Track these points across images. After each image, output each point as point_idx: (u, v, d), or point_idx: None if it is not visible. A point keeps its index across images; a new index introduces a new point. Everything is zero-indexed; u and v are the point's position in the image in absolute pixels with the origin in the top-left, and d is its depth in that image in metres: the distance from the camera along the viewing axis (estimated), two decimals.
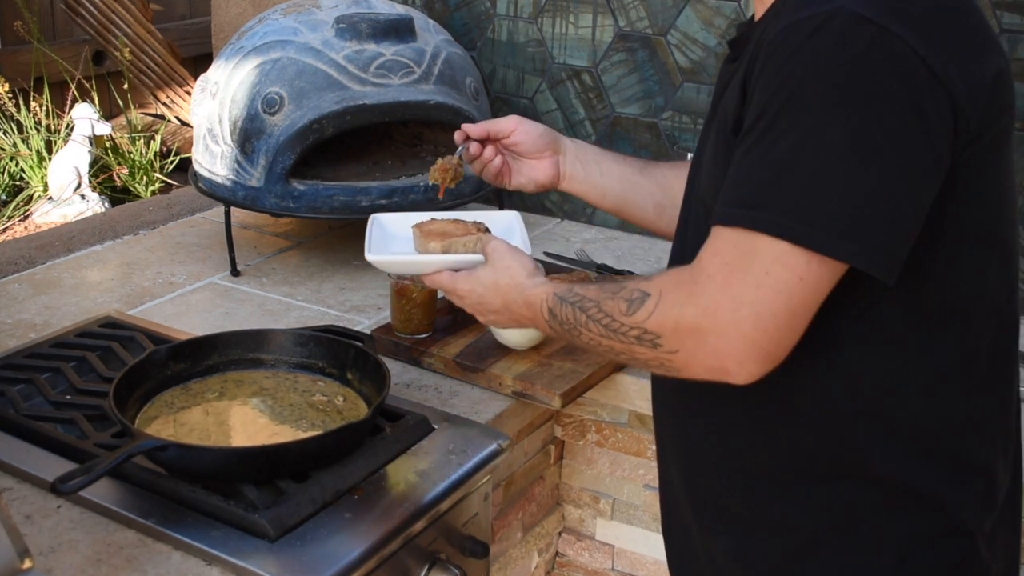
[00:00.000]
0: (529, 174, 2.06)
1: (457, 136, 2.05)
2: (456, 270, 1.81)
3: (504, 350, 2.26)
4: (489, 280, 1.74)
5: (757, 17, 1.50)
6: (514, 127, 2.03)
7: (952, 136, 1.32)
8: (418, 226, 1.94)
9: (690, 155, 2.28)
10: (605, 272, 2.74)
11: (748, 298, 1.33)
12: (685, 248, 1.59)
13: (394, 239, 1.99)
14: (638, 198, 2.02)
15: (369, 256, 1.88)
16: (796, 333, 1.36)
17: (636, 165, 2.03)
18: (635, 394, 2.36)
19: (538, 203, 3.28)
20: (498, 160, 2.05)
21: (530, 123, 2.04)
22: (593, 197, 2.06)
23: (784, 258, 1.32)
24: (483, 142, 2.05)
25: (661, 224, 2.01)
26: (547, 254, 2.90)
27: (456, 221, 1.96)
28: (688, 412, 1.60)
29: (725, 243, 1.36)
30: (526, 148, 2.04)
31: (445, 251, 1.86)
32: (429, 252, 1.87)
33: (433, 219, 1.97)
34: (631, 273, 2.70)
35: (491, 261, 1.75)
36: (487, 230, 1.91)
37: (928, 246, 1.36)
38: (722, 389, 1.41)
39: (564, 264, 2.80)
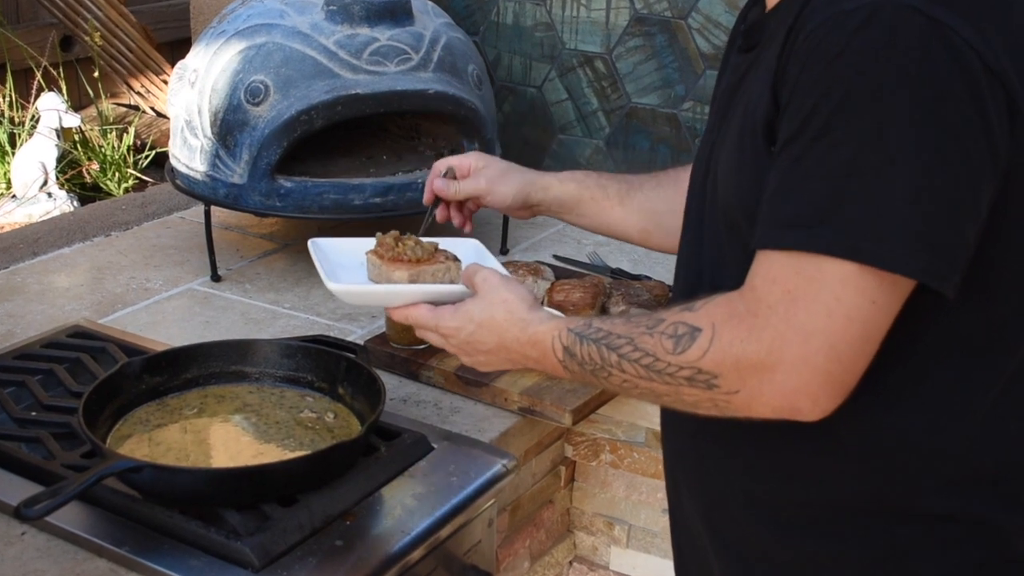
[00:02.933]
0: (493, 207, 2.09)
1: (426, 197, 2.07)
2: (435, 303, 1.73)
3: None
4: (482, 316, 1.65)
5: (771, 3, 1.49)
6: (483, 195, 2.04)
7: (1008, 138, 1.31)
8: (375, 252, 1.84)
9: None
10: (620, 277, 2.74)
11: (818, 328, 1.31)
12: (702, 265, 1.58)
13: (341, 268, 1.88)
14: (616, 230, 2.04)
15: (332, 285, 1.77)
16: (869, 359, 1.35)
17: (616, 196, 2.02)
18: (653, 411, 2.36)
19: None
20: (458, 220, 2.09)
21: (501, 191, 2.04)
22: (572, 225, 2.11)
23: (854, 281, 1.30)
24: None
25: (650, 244, 2.03)
26: (556, 257, 2.90)
27: (407, 240, 1.86)
28: (708, 443, 1.58)
29: (783, 268, 1.34)
30: (496, 209, 2.08)
31: (413, 283, 1.78)
32: (393, 282, 1.79)
33: (380, 237, 1.86)
34: (648, 278, 2.70)
35: (483, 294, 1.66)
36: (455, 257, 1.85)
37: (980, 259, 1.35)
38: (747, 418, 1.41)
39: (575, 268, 2.80)
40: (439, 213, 2.05)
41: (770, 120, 1.38)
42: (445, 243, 1.91)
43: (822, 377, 1.33)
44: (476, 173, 2.05)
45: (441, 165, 2.07)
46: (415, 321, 1.73)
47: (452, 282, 1.79)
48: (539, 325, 1.59)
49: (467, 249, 1.94)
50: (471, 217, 2.10)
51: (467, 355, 1.70)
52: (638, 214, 1.99)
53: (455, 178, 2.05)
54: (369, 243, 1.88)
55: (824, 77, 1.30)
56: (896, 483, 1.44)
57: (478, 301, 1.66)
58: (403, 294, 1.74)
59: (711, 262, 1.56)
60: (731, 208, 1.48)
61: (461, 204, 2.08)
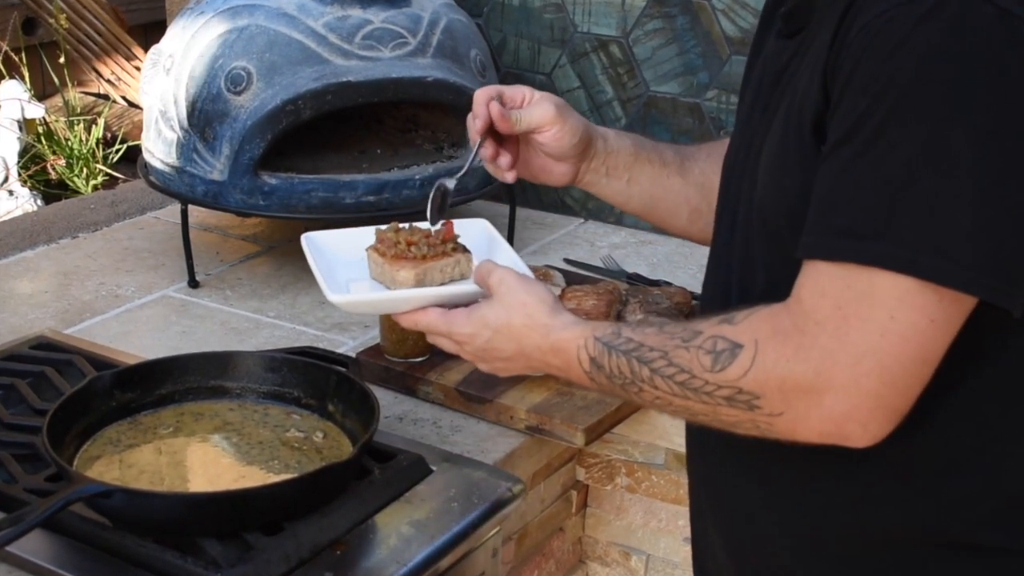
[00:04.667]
0: (538, 172, 1.92)
1: (475, 128, 1.84)
2: (445, 305, 1.71)
3: (516, 377, 2.26)
4: (499, 320, 1.63)
5: None
6: (550, 125, 1.84)
7: None
8: (376, 248, 1.82)
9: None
10: (637, 283, 2.75)
11: (871, 348, 1.31)
12: (731, 270, 1.58)
13: (340, 264, 1.85)
14: (670, 204, 1.95)
15: (334, 297, 1.74)
16: (924, 382, 1.34)
17: (674, 163, 1.93)
18: (673, 430, 2.36)
19: (557, 199, 3.28)
20: (508, 159, 1.88)
21: (571, 122, 1.85)
22: (615, 202, 1.97)
23: (910, 298, 1.30)
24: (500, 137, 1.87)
25: (693, 231, 1.95)
26: (568, 261, 2.90)
27: (417, 232, 1.82)
28: (737, 466, 1.58)
29: (832, 282, 1.33)
30: (552, 151, 1.87)
31: (419, 282, 1.77)
32: (398, 284, 1.77)
33: (380, 231, 1.83)
34: (668, 284, 2.70)
35: (498, 296, 1.64)
36: (465, 248, 1.83)
37: None
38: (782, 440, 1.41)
39: (588, 273, 2.80)
40: (486, 150, 1.85)
41: (819, 116, 1.37)
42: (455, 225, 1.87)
43: (873, 401, 1.33)
44: (536, 102, 1.86)
45: (489, 91, 1.86)
46: (425, 327, 1.71)
47: (462, 276, 1.79)
48: (562, 331, 1.58)
49: (475, 233, 1.91)
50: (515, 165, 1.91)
51: (484, 362, 1.69)
52: (694, 188, 1.93)
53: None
54: (370, 235, 1.86)
55: (881, 73, 1.29)
56: (946, 513, 1.44)
57: (494, 304, 1.64)
58: (410, 300, 1.73)
59: (741, 266, 1.55)
60: (770, 209, 1.47)
61: (510, 142, 1.88)
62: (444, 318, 1.69)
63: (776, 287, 1.44)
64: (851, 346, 1.32)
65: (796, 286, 1.38)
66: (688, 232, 1.97)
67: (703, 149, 1.97)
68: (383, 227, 1.84)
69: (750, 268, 1.54)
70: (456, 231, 1.85)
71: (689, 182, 1.94)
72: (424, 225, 1.84)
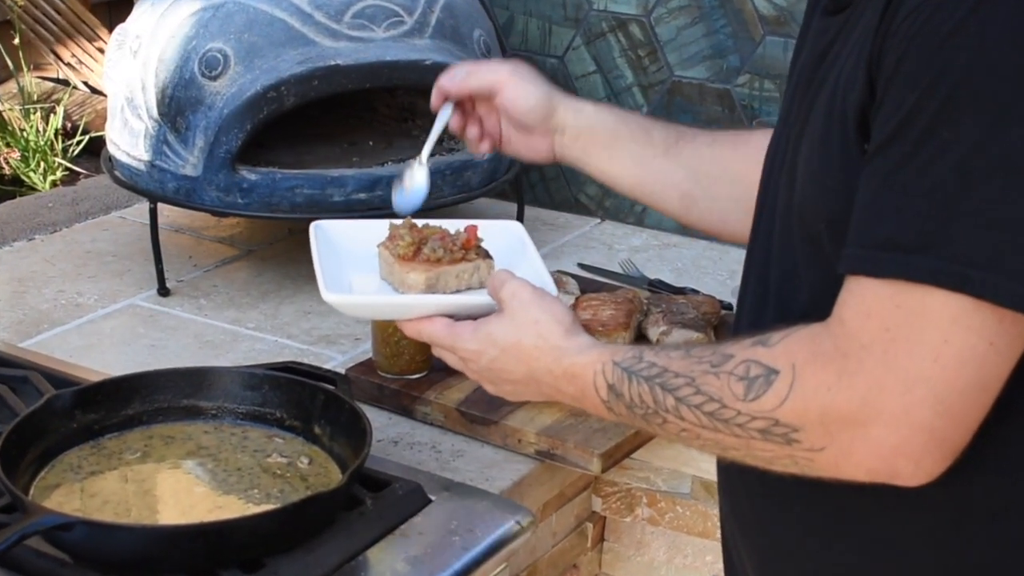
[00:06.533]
0: (520, 147, 2.02)
1: (434, 98, 1.98)
2: (453, 316, 1.72)
3: None
4: (508, 339, 1.63)
5: None
6: (500, 85, 1.96)
7: None
8: (386, 246, 1.83)
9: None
10: (660, 291, 2.75)
11: (923, 375, 1.30)
12: (770, 280, 1.58)
13: (350, 258, 1.88)
14: (655, 186, 1.98)
15: (329, 295, 1.76)
16: (983, 413, 1.33)
17: (662, 143, 1.97)
18: (700, 455, 2.36)
19: (570, 197, 3.29)
20: (492, 123, 2.00)
21: (524, 82, 1.96)
22: (602, 181, 2.03)
23: (966, 318, 1.28)
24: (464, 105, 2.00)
25: (691, 218, 1.98)
26: (582, 266, 2.91)
27: (435, 232, 1.85)
28: (774, 494, 1.58)
29: (879, 300, 1.32)
30: (512, 118, 1.98)
31: (431, 288, 1.77)
32: (407, 287, 1.78)
33: (395, 228, 1.86)
34: (695, 292, 2.70)
35: (509, 312, 1.65)
36: (487, 254, 1.84)
37: None
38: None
39: (605, 280, 2.80)
40: (454, 121, 1.98)
41: (863, 109, 1.36)
42: (481, 228, 1.89)
43: (926, 435, 1.31)
44: (489, 63, 2.00)
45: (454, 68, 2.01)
46: (429, 337, 1.72)
47: (481, 284, 1.78)
48: (577, 355, 1.58)
49: (505, 238, 1.91)
50: (494, 139, 2.01)
51: (491, 384, 1.70)
52: (683, 171, 1.95)
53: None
54: (380, 227, 1.87)
55: (931, 65, 1.28)
56: (1001, 556, 1.44)
57: (503, 321, 1.65)
58: (413, 307, 1.73)
59: (780, 277, 1.55)
60: (810, 213, 1.46)
61: (488, 117, 2.00)
62: (449, 330, 1.70)
63: (818, 304, 1.44)
64: (901, 372, 1.31)
65: (838, 304, 1.37)
66: (685, 219, 2.00)
67: (710, 134, 1.99)
68: (398, 222, 1.85)
69: (789, 280, 1.53)
70: (482, 234, 1.86)
71: (677, 164, 1.95)
72: (443, 223, 1.86)
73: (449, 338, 1.69)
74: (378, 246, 1.85)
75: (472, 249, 1.83)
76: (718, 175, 1.92)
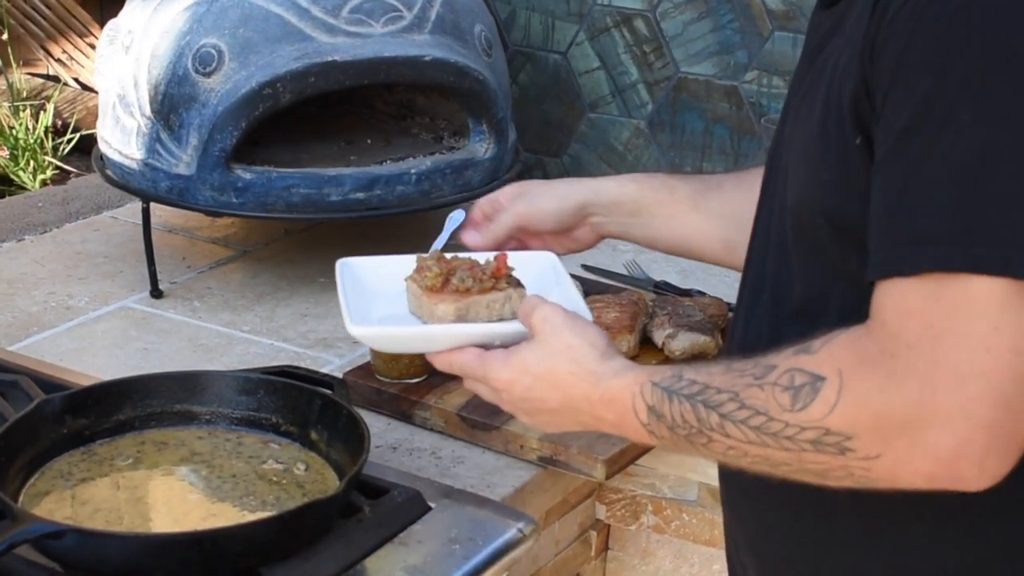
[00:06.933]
0: (567, 245, 2.07)
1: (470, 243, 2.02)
2: (485, 345, 1.69)
3: None
4: (542, 367, 1.60)
5: None
6: (525, 214, 2.01)
7: None
8: (414, 278, 1.81)
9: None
10: (665, 293, 2.75)
11: (976, 368, 1.27)
12: (765, 278, 1.58)
13: (374, 296, 1.86)
14: (693, 243, 2.02)
15: (354, 328, 1.74)
16: None
17: (688, 200, 1.99)
18: (707, 461, 2.36)
19: None
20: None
21: (545, 198, 2.01)
22: (648, 247, 2.10)
23: (1014, 302, 1.27)
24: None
25: (734, 261, 1.94)
26: (586, 268, 2.90)
27: (464, 263, 1.82)
28: (777, 497, 1.58)
29: (919, 298, 1.30)
30: (543, 231, 2.04)
31: (460, 319, 1.74)
32: (436, 320, 1.75)
33: (422, 260, 1.83)
34: (701, 293, 2.70)
35: (541, 338, 1.62)
36: (518, 283, 1.81)
37: None
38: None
39: (609, 282, 2.80)
40: (468, 236, 2.02)
41: (857, 102, 1.36)
42: (512, 258, 1.86)
43: (987, 432, 1.28)
44: (511, 201, 2.01)
45: (472, 213, 2.05)
46: (460, 369, 1.69)
47: (513, 315, 1.74)
48: (613, 379, 1.55)
49: (538, 268, 1.90)
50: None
51: (527, 414, 1.67)
52: (718, 220, 1.96)
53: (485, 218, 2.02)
54: (406, 262, 1.84)
55: (940, 47, 1.28)
56: (1005, 557, 1.44)
57: (535, 347, 1.62)
58: (441, 338, 1.71)
59: (775, 274, 1.55)
60: (807, 207, 1.46)
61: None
62: (479, 360, 1.67)
63: (810, 298, 1.44)
64: (952, 368, 1.28)
65: (875, 308, 1.35)
66: (731, 263, 1.98)
67: (735, 176, 2.02)
68: (425, 255, 1.83)
69: (784, 274, 1.54)
70: (513, 263, 1.83)
71: (709, 215, 1.97)
72: (474, 255, 1.84)
73: (480, 368, 1.66)
74: (406, 279, 1.82)
75: (502, 278, 1.80)
76: (752, 215, 1.92)
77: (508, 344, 1.67)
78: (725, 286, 2.83)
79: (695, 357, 2.41)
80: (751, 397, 1.40)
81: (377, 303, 1.84)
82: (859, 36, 1.36)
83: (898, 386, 1.31)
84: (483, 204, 2.03)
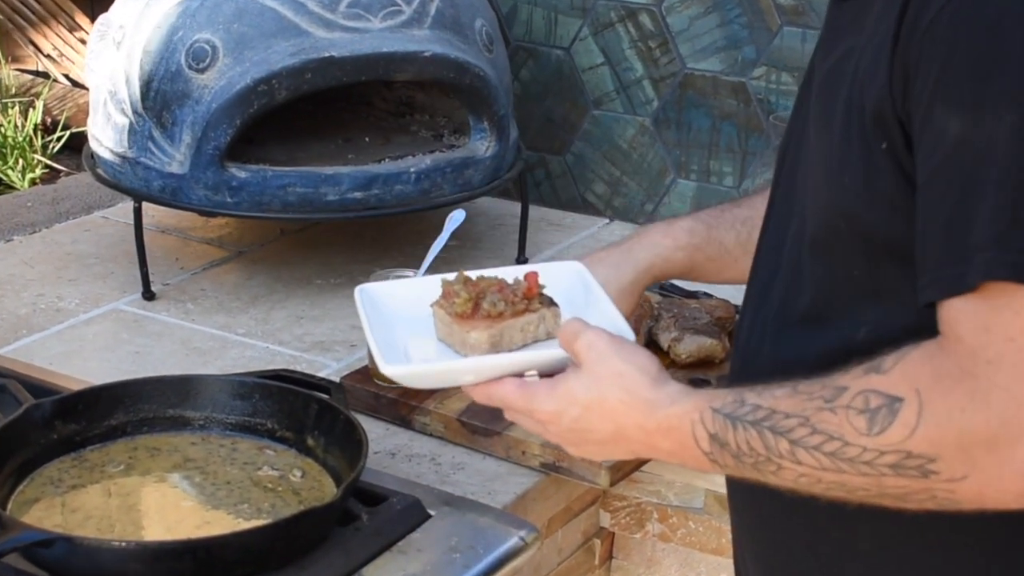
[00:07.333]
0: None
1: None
2: (520, 373, 1.64)
3: None
4: (590, 396, 1.55)
5: None
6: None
7: None
8: (441, 304, 1.75)
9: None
10: (671, 295, 2.75)
11: None
12: (773, 285, 1.57)
13: (401, 321, 1.80)
14: (734, 274, 1.99)
15: (389, 369, 1.67)
16: None
17: (736, 247, 1.97)
18: None
19: (577, 196, 3.28)
20: None
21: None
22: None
23: None
24: None
25: None
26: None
27: (492, 283, 1.75)
28: (786, 505, 1.57)
29: (995, 312, 1.29)
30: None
31: (495, 346, 1.69)
32: (469, 348, 1.70)
33: (448, 284, 1.76)
34: (707, 296, 2.70)
35: (588, 366, 1.56)
36: (551, 301, 1.75)
37: None
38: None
39: None
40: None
41: (881, 105, 1.36)
42: (540, 268, 1.81)
43: None
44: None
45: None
46: (501, 401, 1.63)
47: (548, 336, 1.71)
48: (670, 407, 1.51)
49: (564, 281, 1.84)
50: None
51: (573, 445, 1.62)
52: (740, 249, 1.96)
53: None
54: (437, 286, 1.78)
55: (985, 56, 1.28)
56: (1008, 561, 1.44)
57: (583, 377, 1.56)
58: (485, 370, 1.65)
59: (786, 276, 1.55)
60: (825, 211, 1.46)
61: None
62: (522, 392, 1.61)
63: (819, 304, 1.44)
64: None
65: (948, 325, 1.34)
66: None
67: (743, 204, 2.00)
68: (450, 277, 1.79)
69: (795, 279, 1.53)
70: (541, 280, 1.77)
71: (737, 248, 1.97)
72: (498, 272, 1.78)
73: (523, 400, 1.61)
74: (432, 305, 1.76)
75: (535, 298, 1.75)
76: None
77: (551, 372, 1.63)
78: (732, 288, 2.82)
79: (701, 361, 2.41)
80: (823, 422, 1.38)
81: (403, 331, 1.78)
82: (884, 39, 1.36)
83: (981, 404, 1.29)
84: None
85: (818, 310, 1.47)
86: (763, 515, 1.63)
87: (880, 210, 1.39)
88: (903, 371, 1.34)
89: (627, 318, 1.75)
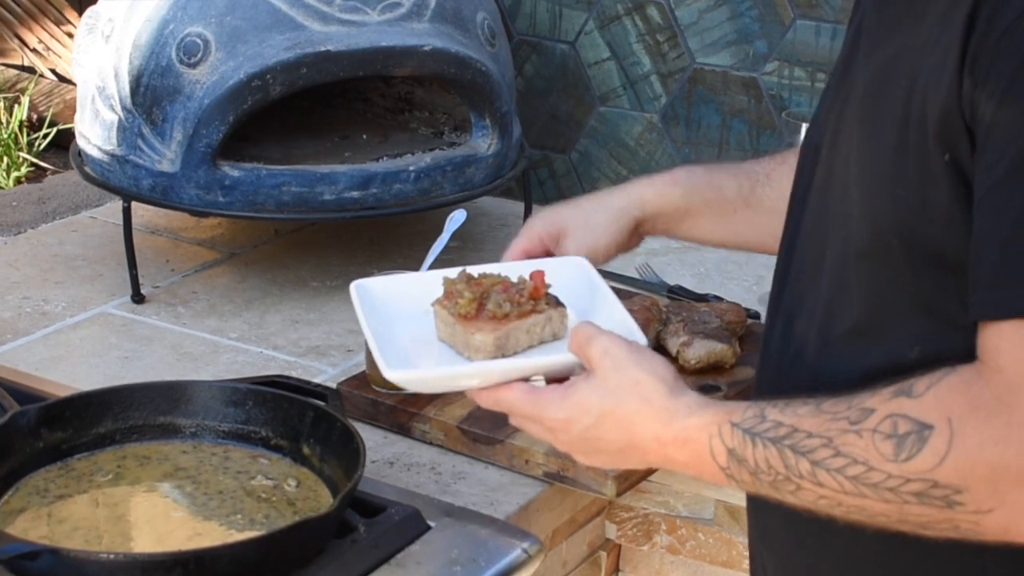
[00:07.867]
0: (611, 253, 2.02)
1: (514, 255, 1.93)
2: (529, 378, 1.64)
3: None
4: (604, 405, 1.54)
5: None
6: (586, 251, 1.92)
7: None
8: (443, 304, 1.74)
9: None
10: (680, 298, 2.75)
11: None
12: (816, 300, 1.57)
13: (400, 320, 1.79)
14: (745, 241, 1.99)
15: (393, 374, 1.65)
16: None
17: (738, 198, 1.96)
18: None
19: (579, 193, 3.28)
20: None
21: (593, 232, 1.94)
22: (699, 244, 2.08)
23: None
24: None
25: None
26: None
27: (496, 282, 1.75)
28: (809, 523, 1.57)
29: None
30: (603, 260, 1.98)
31: (500, 348, 1.68)
32: (473, 350, 1.69)
33: (448, 281, 1.76)
34: (717, 298, 2.70)
35: (602, 373, 1.55)
36: (558, 301, 1.75)
37: None
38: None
39: (620, 286, 2.80)
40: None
41: (948, 114, 1.34)
42: (543, 264, 1.81)
43: None
44: (572, 232, 1.94)
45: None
46: (509, 408, 1.62)
47: (555, 336, 1.71)
48: (688, 418, 1.50)
49: (569, 278, 1.83)
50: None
51: (584, 454, 1.62)
52: (771, 216, 1.91)
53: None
54: (437, 281, 1.77)
55: None
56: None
57: (597, 384, 1.55)
58: (492, 374, 1.65)
59: (829, 287, 1.53)
60: (875, 223, 1.45)
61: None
62: (532, 398, 1.60)
63: (866, 321, 1.43)
64: None
65: (988, 351, 1.33)
66: None
67: (782, 164, 1.96)
68: (452, 274, 1.79)
69: (842, 295, 1.51)
70: (546, 279, 1.76)
71: (762, 211, 1.94)
72: (500, 269, 1.79)
73: (532, 406, 1.60)
74: (433, 304, 1.76)
75: (541, 298, 1.74)
76: None
77: (560, 377, 1.63)
78: (743, 290, 2.83)
79: (711, 366, 2.41)
80: (847, 444, 1.37)
81: (402, 331, 1.77)
82: (950, 47, 1.34)
83: (1016, 438, 1.29)
84: (541, 231, 1.94)
85: (865, 325, 1.46)
86: (786, 523, 1.62)
87: (939, 225, 1.38)
88: (936, 397, 1.34)
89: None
